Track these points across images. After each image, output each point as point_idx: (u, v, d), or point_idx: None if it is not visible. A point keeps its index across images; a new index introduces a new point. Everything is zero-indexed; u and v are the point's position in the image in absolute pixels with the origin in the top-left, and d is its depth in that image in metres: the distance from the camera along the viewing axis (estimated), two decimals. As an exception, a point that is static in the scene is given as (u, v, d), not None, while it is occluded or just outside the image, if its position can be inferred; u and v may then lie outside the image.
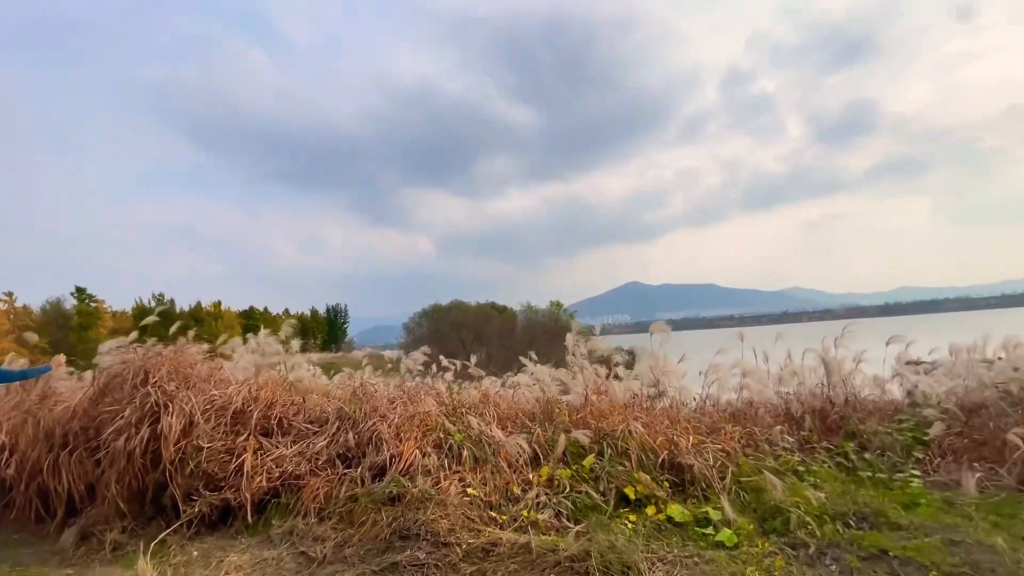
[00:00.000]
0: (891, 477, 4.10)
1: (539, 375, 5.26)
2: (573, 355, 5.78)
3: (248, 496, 3.83)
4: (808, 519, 3.05)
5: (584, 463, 3.75)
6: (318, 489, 3.85)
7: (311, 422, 4.61)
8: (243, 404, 4.44)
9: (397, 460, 3.91)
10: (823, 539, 2.90)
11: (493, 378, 6.24)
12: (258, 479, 3.95)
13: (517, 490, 3.53)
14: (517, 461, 3.76)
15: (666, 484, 3.69)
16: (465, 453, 3.79)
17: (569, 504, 3.39)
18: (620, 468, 3.74)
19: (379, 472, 3.95)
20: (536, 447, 3.95)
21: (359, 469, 3.96)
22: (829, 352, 5.98)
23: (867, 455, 4.59)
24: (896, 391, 6.30)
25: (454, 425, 4.11)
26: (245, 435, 4.24)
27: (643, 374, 5.74)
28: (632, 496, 3.50)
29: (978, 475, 3.70)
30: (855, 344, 6.06)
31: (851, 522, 3.09)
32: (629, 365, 6.26)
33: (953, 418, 5.07)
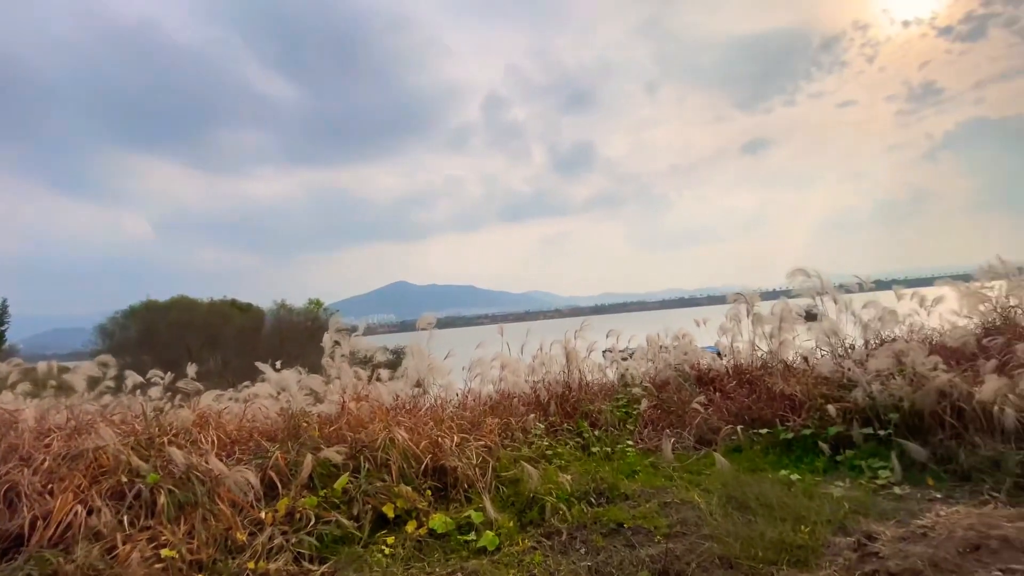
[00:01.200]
0: (614, 450, 4.76)
1: (284, 383, 4.37)
2: (331, 357, 5.07)
3: None
4: (560, 505, 3.19)
5: (336, 485, 3.17)
6: None
7: None
8: None
9: (44, 524, 2.61)
10: (573, 523, 3.05)
11: (221, 391, 4.98)
12: None
13: (242, 536, 2.71)
14: (244, 498, 2.92)
15: (428, 493, 3.42)
16: (162, 499, 2.74)
17: (313, 541, 2.77)
18: (379, 484, 3.29)
19: (13, 544, 2.59)
20: (274, 475, 3.17)
21: (-34, 550, 2.51)
22: (570, 343, 6.86)
23: (597, 432, 5.28)
24: (611, 374, 7.66)
25: (148, 462, 2.97)
26: None
27: (409, 373, 5.44)
28: (391, 514, 3.10)
29: (672, 440, 4.59)
30: (587, 337, 7.19)
31: (593, 500, 3.36)
32: (394, 365, 5.88)
33: (650, 394, 6.34)
